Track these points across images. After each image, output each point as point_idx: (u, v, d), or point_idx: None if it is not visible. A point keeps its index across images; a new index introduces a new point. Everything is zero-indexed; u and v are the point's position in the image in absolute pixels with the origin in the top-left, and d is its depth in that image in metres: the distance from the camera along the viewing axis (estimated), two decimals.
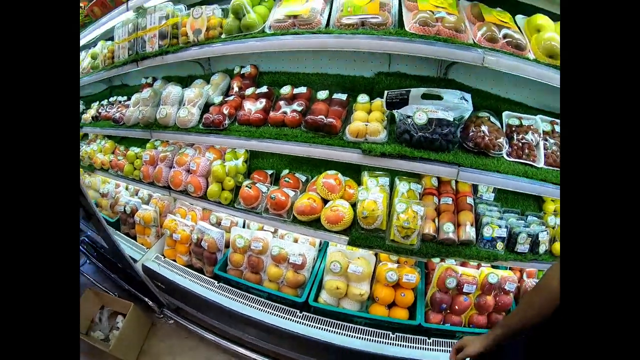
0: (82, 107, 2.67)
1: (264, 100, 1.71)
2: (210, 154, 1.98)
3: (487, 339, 1.15)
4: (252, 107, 1.71)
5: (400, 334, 1.68)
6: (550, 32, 1.39)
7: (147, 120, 1.96)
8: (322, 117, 1.55)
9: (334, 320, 1.72)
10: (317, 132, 1.56)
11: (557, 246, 1.66)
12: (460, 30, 1.34)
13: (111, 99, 2.43)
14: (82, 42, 2.31)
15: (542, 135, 1.57)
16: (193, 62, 2.10)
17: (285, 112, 1.62)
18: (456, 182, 1.82)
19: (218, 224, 2.07)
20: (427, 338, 1.67)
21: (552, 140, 1.57)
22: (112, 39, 2.14)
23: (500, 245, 1.61)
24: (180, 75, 2.23)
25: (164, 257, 2.11)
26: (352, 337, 1.67)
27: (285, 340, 1.79)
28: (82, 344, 2.13)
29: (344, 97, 1.65)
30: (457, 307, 1.70)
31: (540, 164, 1.49)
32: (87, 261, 2.68)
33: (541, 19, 1.45)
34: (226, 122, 1.70)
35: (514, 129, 1.57)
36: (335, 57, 1.82)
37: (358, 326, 1.71)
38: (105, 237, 1.97)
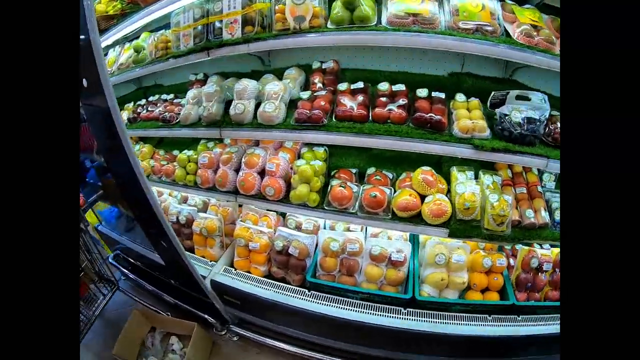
0: None
1: (362, 96, 1.68)
2: (284, 153, 1.88)
3: None
4: (351, 103, 1.67)
5: (496, 316, 1.79)
6: None
7: (213, 118, 1.79)
8: (432, 114, 1.59)
9: (436, 312, 1.76)
10: (425, 128, 1.60)
11: None
12: (553, 42, 1.48)
13: (151, 99, 2.14)
14: (121, 34, 1.99)
15: None
16: (254, 56, 1.97)
17: (391, 109, 1.62)
18: (525, 173, 2.00)
19: (298, 229, 1.97)
20: (517, 316, 1.81)
21: None
22: (158, 29, 1.89)
23: None
24: (238, 70, 2.07)
25: (235, 269, 1.94)
26: (453, 324, 1.73)
27: (387, 339, 1.78)
28: None
29: (442, 95, 1.70)
30: (537, 285, 1.88)
31: None
32: (122, 277, 2.32)
33: None
34: (325, 118, 1.64)
35: None
36: (414, 56, 1.87)
37: (456, 314, 1.78)
38: (170, 253, 1.74)
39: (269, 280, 1.89)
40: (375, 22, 1.51)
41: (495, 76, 1.93)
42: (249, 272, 1.94)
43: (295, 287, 1.84)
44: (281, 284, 1.87)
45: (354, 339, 1.85)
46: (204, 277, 1.87)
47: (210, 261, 1.98)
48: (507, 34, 1.50)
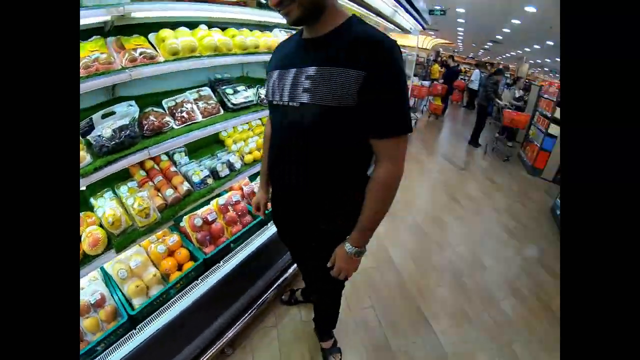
0: None
1: None
2: None
3: (262, 190, 1.83)
4: None
5: (202, 276, 2.27)
6: (171, 39, 2.07)
7: None
8: None
9: (160, 308, 2.04)
10: None
11: (247, 157, 2.63)
12: (112, 62, 1.87)
13: None
14: None
15: (193, 102, 2.37)
16: None
17: None
18: (158, 163, 2.37)
19: None
20: (219, 262, 2.35)
21: (201, 102, 2.41)
22: None
23: (210, 180, 2.39)
24: None
25: None
26: (177, 304, 2.10)
27: None
28: None
29: None
30: (217, 234, 2.43)
31: (200, 118, 2.30)
32: None
33: (165, 32, 2.10)
34: None
35: (173, 108, 2.28)
36: None
37: (175, 296, 2.13)
38: None
39: None
40: None
41: (101, 101, 2.15)
42: None
43: None
44: None
45: None
46: None
47: None
48: None
